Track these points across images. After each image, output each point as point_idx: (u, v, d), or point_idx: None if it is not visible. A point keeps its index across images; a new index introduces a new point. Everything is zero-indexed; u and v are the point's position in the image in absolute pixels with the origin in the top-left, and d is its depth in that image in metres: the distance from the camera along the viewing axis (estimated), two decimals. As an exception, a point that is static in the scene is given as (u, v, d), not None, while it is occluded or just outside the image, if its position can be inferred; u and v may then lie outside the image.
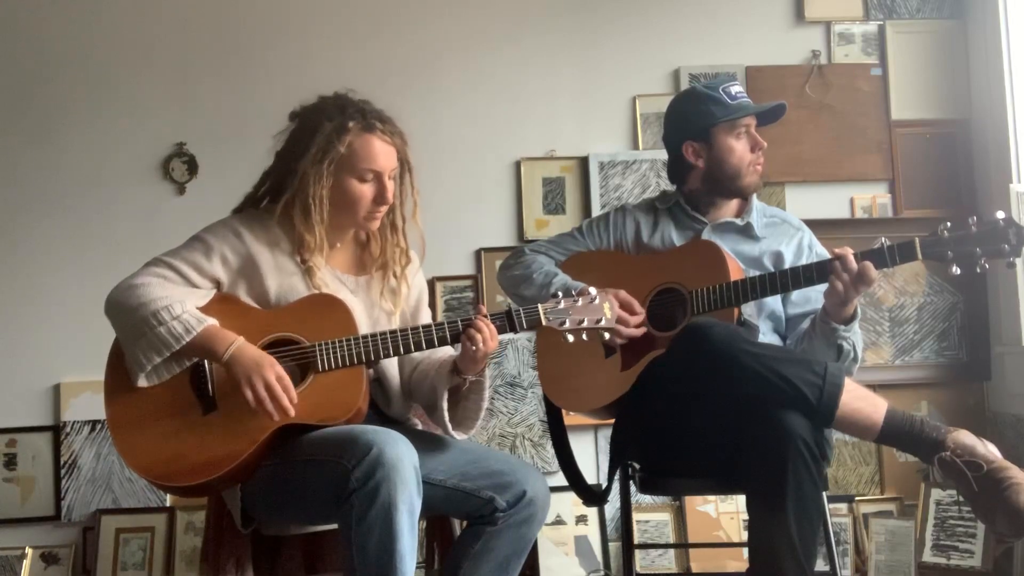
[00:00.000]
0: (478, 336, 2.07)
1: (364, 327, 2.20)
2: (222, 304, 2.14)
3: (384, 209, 2.23)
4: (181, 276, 2.13)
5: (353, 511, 1.89)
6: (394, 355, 2.15)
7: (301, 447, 2.04)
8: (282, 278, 2.18)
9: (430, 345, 2.13)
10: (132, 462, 2.07)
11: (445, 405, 2.16)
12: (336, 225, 2.23)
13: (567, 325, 2.12)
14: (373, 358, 2.12)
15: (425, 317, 2.39)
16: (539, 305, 2.13)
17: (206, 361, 2.09)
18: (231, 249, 2.16)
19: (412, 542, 1.91)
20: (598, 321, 2.13)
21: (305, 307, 2.15)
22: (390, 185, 2.21)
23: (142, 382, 2.07)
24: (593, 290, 2.16)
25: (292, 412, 2.03)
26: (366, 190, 2.19)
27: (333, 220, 2.21)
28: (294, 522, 2.21)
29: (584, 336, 2.13)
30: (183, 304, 2.06)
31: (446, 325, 2.12)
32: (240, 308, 2.15)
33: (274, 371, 2.03)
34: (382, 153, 2.19)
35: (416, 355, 2.25)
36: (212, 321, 2.08)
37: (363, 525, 1.89)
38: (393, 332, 2.12)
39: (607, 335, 2.17)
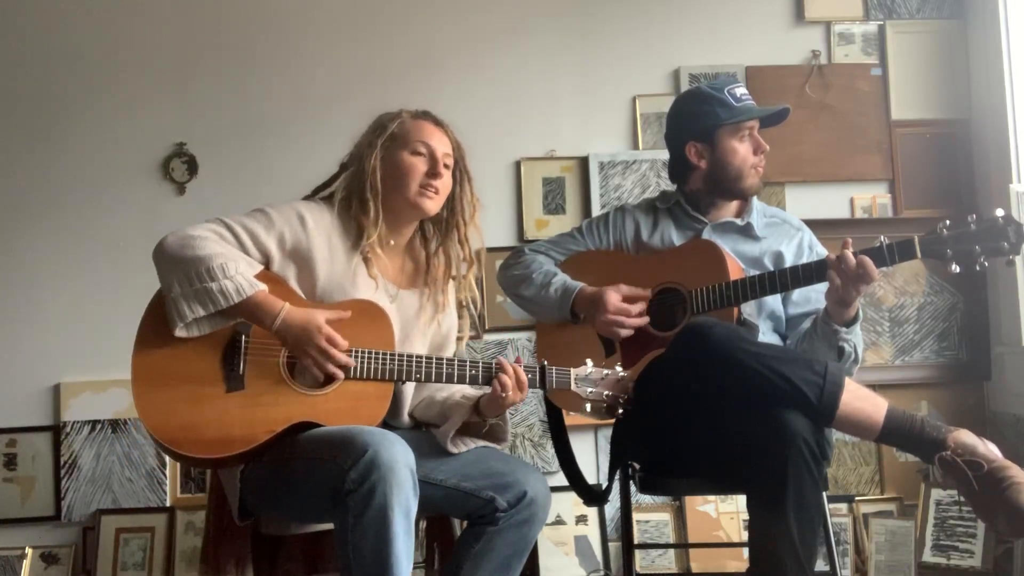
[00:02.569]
0: (509, 384, 2.11)
1: (395, 338, 2.21)
2: (269, 284, 2.12)
3: (439, 185, 2.24)
4: (236, 239, 2.13)
5: (349, 513, 1.89)
6: (424, 381, 2.17)
7: (300, 444, 2.03)
8: (332, 273, 2.18)
9: (461, 380, 2.15)
10: (147, 420, 2.05)
11: (452, 431, 2.16)
12: (392, 208, 2.24)
13: (591, 394, 2.19)
14: (404, 378, 2.13)
15: (451, 347, 2.40)
16: (571, 370, 2.19)
17: (244, 337, 2.09)
18: (290, 230, 2.17)
19: (408, 544, 1.91)
20: (620, 400, 2.21)
21: (351, 311, 2.14)
22: (444, 171, 2.25)
23: (180, 332, 2.06)
24: (619, 368, 2.24)
25: (351, 364, 2.08)
26: (418, 162, 2.23)
27: (389, 201, 2.23)
28: (290, 518, 2.21)
29: (604, 408, 2.21)
30: (237, 265, 2.06)
31: (480, 365, 2.14)
32: (287, 292, 2.15)
33: (323, 334, 2.05)
34: (434, 134, 2.27)
35: (434, 384, 2.26)
36: (262, 287, 2.08)
37: (358, 527, 1.88)
38: (428, 358, 2.14)
39: (620, 411, 2.23)
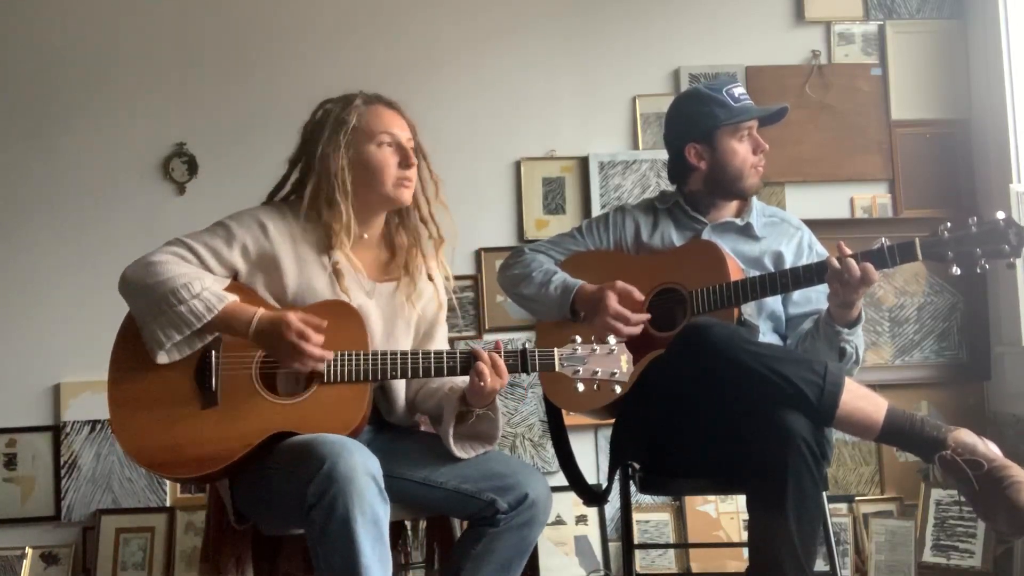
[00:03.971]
0: (486, 371, 2.04)
1: (378, 333, 2.19)
2: (241, 295, 2.10)
3: (412, 175, 2.20)
4: (199, 259, 2.10)
5: (315, 525, 1.87)
6: (401, 378, 2.14)
7: (275, 454, 2.02)
8: (302, 275, 2.15)
9: (439, 373, 2.10)
10: (126, 445, 2.05)
11: (451, 431, 2.13)
12: (365, 203, 2.20)
13: (580, 374, 2.08)
14: (379, 377, 2.10)
15: (441, 333, 2.36)
16: (555, 349, 2.09)
17: (214, 352, 2.07)
18: (253, 240, 2.14)
19: (380, 551, 1.87)
20: (613, 374, 2.08)
21: (320, 312, 2.10)
22: (414, 158, 2.20)
23: (162, 359, 2.05)
24: (612, 339, 2.11)
25: (329, 356, 2.01)
26: (387, 155, 2.18)
27: (362, 197, 2.18)
28: (278, 524, 2.17)
29: (595, 387, 2.08)
30: (202, 281, 2.04)
31: (457, 355, 2.09)
32: (256, 302, 2.12)
33: (293, 330, 1.98)
34: (394, 120, 2.21)
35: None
36: (233, 298, 2.06)
37: (325, 541, 1.86)
38: (404, 354, 2.09)
39: (619, 389, 2.10)
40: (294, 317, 2.01)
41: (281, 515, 2.06)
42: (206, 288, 2.03)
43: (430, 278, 2.30)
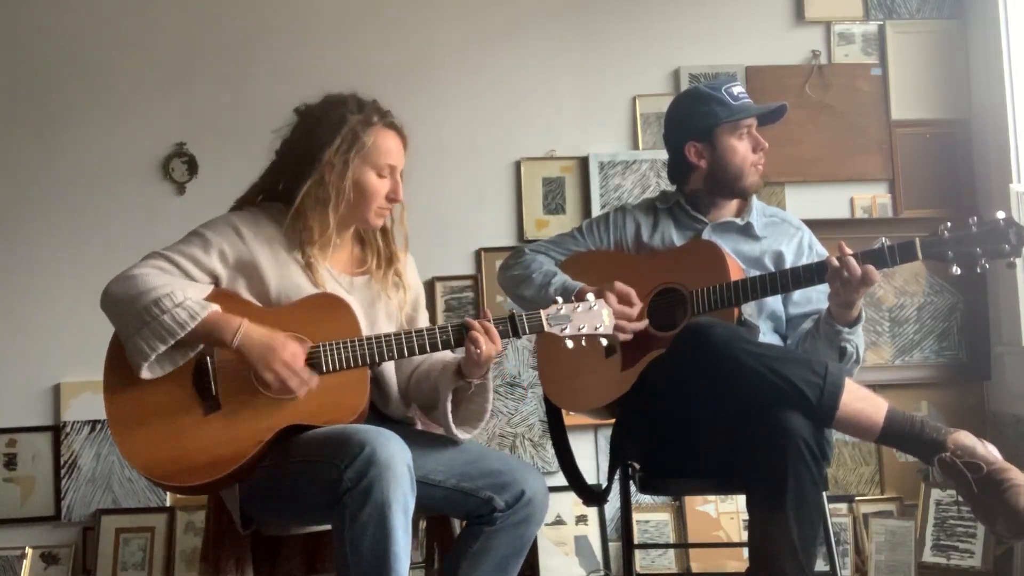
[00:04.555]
0: (481, 339, 2.08)
1: (362, 326, 2.19)
2: (223, 300, 2.11)
3: (391, 208, 2.25)
4: (179, 269, 2.11)
5: (347, 511, 1.89)
6: (398, 357, 2.15)
7: (295, 448, 2.03)
8: (282, 275, 2.16)
9: (434, 348, 2.13)
10: (134, 461, 2.06)
11: (449, 407, 2.15)
12: (343, 219, 2.22)
13: (568, 331, 2.14)
14: (377, 360, 2.12)
15: (423, 318, 2.39)
16: (541, 311, 2.14)
17: (209, 359, 2.08)
18: (229, 245, 2.15)
19: (406, 540, 1.90)
20: (597, 328, 2.15)
21: (309, 307, 2.13)
22: (400, 183, 2.24)
23: (145, 373, 2.05)
24: (591, 296, 2.18)
25: (314, 383, 2.05)
26: (382, 185, 2.21)
27: (343, 213, 2.20)
28: (292, 523, 2.21)
29: (583, 342, 2.15)
30: (184, 291, 2.05)
31: (450, 328, 2.12)
32: (242, 305, 2.13)
33: (288, 350, 2.03)
34: (399, 152, 2.24)
35: (415, 357, 2.25)
36: (215, 307, 2.06)
37: (357, 525, 1.88)
38: (397, 334, 2.12)
39: (605, 341, 2.18)
40: (285, 338, 2.04)
41: (298, 509, 2.08)
42: (188, 297, 2.04)
43: (397, 272, 2.33)
